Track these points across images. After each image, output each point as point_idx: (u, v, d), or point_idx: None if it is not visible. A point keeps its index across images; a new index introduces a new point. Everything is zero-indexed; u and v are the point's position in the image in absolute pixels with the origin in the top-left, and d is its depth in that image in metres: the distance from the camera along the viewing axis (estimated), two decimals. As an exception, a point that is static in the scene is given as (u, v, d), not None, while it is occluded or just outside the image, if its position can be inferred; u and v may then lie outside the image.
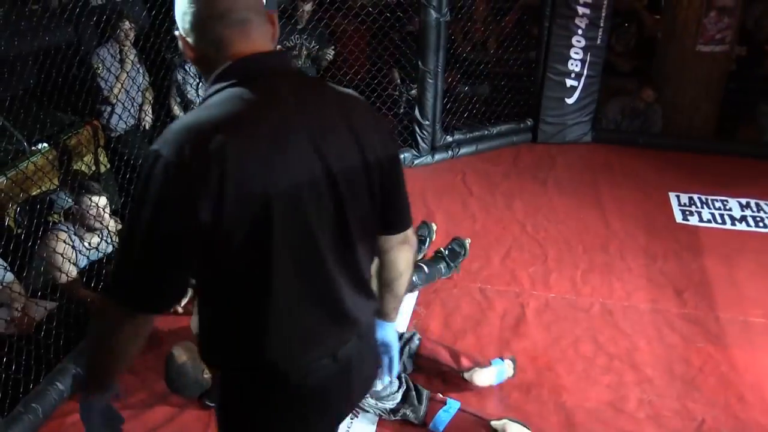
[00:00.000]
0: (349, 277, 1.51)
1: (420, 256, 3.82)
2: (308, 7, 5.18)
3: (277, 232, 1.35)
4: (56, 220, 4.22)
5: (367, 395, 2.75)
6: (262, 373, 1.48)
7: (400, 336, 3.03)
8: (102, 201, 3.73)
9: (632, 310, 3.54)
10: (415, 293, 3.60)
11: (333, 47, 5.32)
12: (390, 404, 2.78)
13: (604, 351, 3.23)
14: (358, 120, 1.47)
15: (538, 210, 4.56)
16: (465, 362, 2.97)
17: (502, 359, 3.00)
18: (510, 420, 2.70)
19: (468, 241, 3.82)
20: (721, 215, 4.52)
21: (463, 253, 3.78)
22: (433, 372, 3.02)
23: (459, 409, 2.77)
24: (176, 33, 1.46)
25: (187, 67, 4.80)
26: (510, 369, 2.99)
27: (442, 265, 3.70)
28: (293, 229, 1.38)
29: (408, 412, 2.77)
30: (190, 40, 1.42)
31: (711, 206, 4.62)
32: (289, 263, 1.39)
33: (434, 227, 4.00)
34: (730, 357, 3.21)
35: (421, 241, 3.88)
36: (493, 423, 2.71)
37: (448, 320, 3.44)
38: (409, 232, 1.69)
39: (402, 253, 1.70)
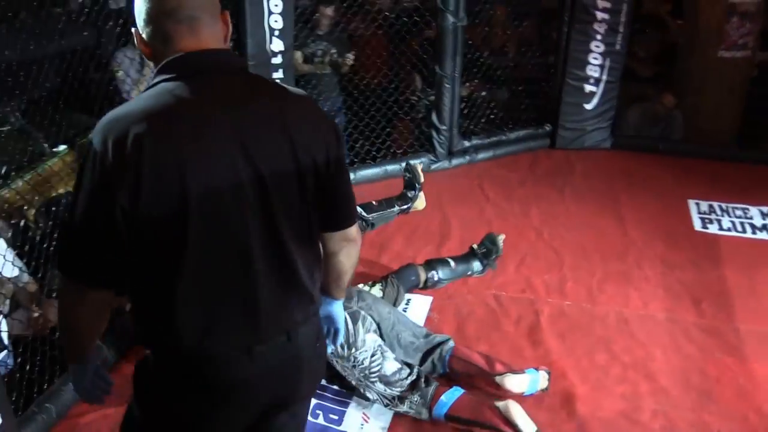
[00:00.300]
0: (279, 277, 1.54)
1: (412, 198, 3.74)
2: (329, 11, 5.10)
3: (193, 227, 1.40)
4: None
5: (376, 380, 2.80)
6: (176, 359, 1.54)
7: (436, 344, 3.03)
8: None
9: (648, 319, 3.50)
10: (429, 299, 3.59)
11: (353, 52, 5.33)
12: (397, 390, 2.79)
13: (619, 360, 3.20)
14: (297, 121, 1.50)
15: (555, 217, 4.52)
16: (499, 367, 2.96)
17: (537, 369, 2.96)
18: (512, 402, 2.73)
19: (501, 237, 3.77)
20: (742, 224, 4.46)
21: (495, 249, 3.74)
22: (463, 376, 2.99)
23: (456, 399, 2.76)
24: (133, 30, 1.50)
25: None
26: (544, 381, 2.94)
27: (475, 263, 3.67)
28: (212, 226, 1.42)
29: (416, 397, 2.77)
30: (144, 35, 1.48)
31: (731, 214, 4.56)
32: (203, 258, 1.44)
33: (420, 166, 3.87)
34: (749, 369, 3.15)
35: (410, 185, 3.81)
36: (497, 403, 2.73)
37: (461, 326, 3.42)
38: (353, 231, 1.74)
39: (346, 253, 1.77)
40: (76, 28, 4.70)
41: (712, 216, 4.54)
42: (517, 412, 2.71)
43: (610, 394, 2.99)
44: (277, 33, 4.10)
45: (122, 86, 4.74)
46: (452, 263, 3.64)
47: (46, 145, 4.50)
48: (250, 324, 1.54)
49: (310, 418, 2.80)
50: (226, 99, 1.44)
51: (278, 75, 4.21)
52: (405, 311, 3.48)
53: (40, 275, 3.47)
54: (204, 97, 1.42)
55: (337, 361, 2.87)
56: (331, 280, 1.86)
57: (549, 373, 2.97)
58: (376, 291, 3.23)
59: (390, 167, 4.99)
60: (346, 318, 2.86)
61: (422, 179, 3.77)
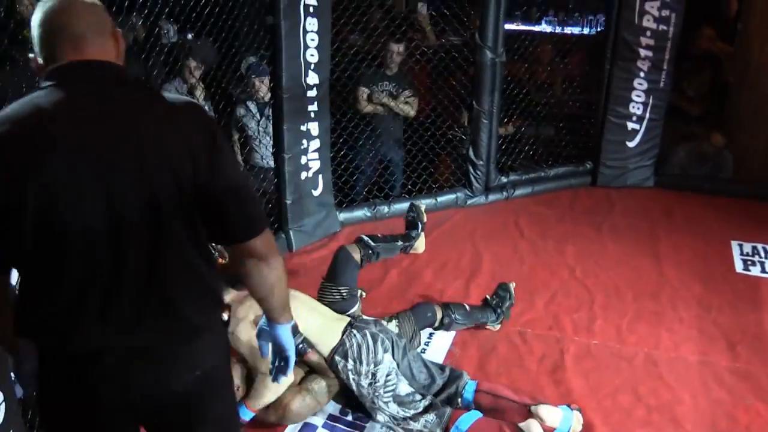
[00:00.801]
0: (148, 293, 1.56)
1: (417, 243, 3.73)
2: (400, 48, 4.94)
3: (31, 233, 1.45)
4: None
5: (389, 400, 2.82)
6: (50, 353, 1.59)
7: (451, 378, 3.01)
8: None
9: (679, 361, 3.38)
10: (452, 333, 3.54)
11: (415, 94, 5.14)
12: (411, 412, 2.81)
13: (644, 403, 3.09)
14: (155, 135, 1.50)
15: (590, 255, 4.44)
16: (527, 399, 2.92)
17: (570, 408, 2.90)
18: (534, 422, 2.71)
19: (512, 285, 3.69)
20: (787, 267, 4.30)
21: (508, 297, 3.65)
22: (489, 411, 2.91)
23: (475, 420, 2.75)
24: (30, 56, 1.57)
25: (248, 103, 4.93)
26: (578, 423, 2.86)
27: (489, 313, 3.59)
28: (51, 235, 1.46)
29: (432, 416, 2.78)
30: (39, 58, 1.54)
31: (776, 257, 4.41)
32: (61, 263, 1.49)
33: (423, 207, 3.81)
34: (782, 416, 3.02)
35: (412, 225, 3.75)
36: (520, 424, 2.71)
37: (482, 362, 3.36)
38: (257, 246, 1.66)
39: (257, 272, 1.70)
40: (128, 59, 4.89)
41: (756, 258, 4.39)
42: (537, 430, 2.70)
43: (631, 436, 2.90)
44: (312, 67, 4.17)
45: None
46: (467, 307, 3.57)
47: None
48: (109, 332, 1.56)
49: (322, 447, 2.80)
50: (89, 111, 1.48)
51: (313, 107, 4.27)
52: (427, 344, 3.46)
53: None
54: (65, 107, 1.47)
55: (354, 379, 2.87)
56: (262, 305, 1.82)
57: (581, 414, 2.90)
58: (393, 327, 3.20)
59: (425, 201, 4.96)
60: (366, 336, 2.88)
61: (425, 220, 3.75)
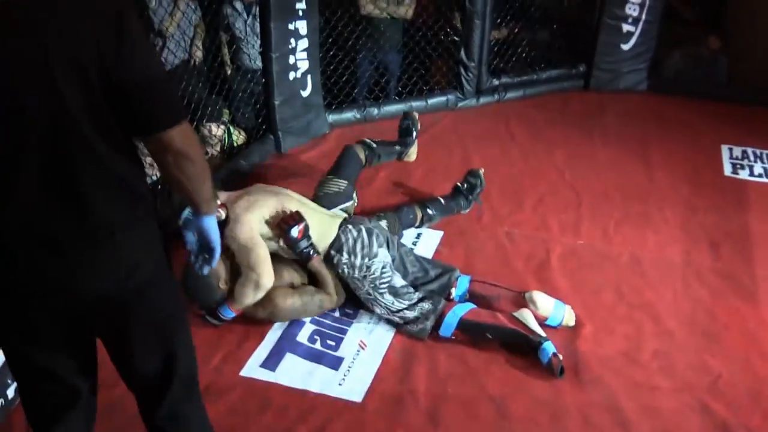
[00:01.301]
0: (56, 187, 1.53)
1: (410, 150, 3.81)
2: None
3: None
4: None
5: (385, 291, 2.89)
6: None
7: (443, 269, 3.10)
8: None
9: (663, 261, 3.43)
10: (439, 233, 3.58)
11: None
12: (406, 303, 2.89)
13: (626, 301, 3.15)
14: (77, 21, 1.46)
15: (580, 158, 4.43)
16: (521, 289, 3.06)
17: (564, 303, 3.00)
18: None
19: (482, 171, 3.74)
20: (775, 170, 4.31)
21: (479, 183, 3.71)
22: (483, 300, 3.02)
23: (469, 309, 2.87)
24: None
25: (234, 3, 4.80)
26: (571, 317, 2.96)
27: (462, 200, 3.67)
28: None
29: (427, 305, 2.88)
30: None
31: (765, 161, 4.41)
32: None
33: (416, 116, 3.85)
34: (760, 313, 3.08)
35: (406, 132, 3.80)
36: (514, 313, 2.86)
37: (469, 261, 3.40)
38: (173, 139, 1.58)
39: (176, 166, 1.61)
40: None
41: (745, 162, 4.40)
42: (530, 318, 2.82)
43: (612, 333, 2.96)
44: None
45: (156, 16, 4.76)
46: (442, 201, 3.65)
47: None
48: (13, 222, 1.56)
49: (307, 342, 2.86)
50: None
51: (301, 5, 4.15)
52: (415, 244, 3.49)
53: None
54: None
55: (349, 272, 2.93)
56: (187, 198, 1.74)
57: (574, 313, 2.99)
58: (383, 225, 3.25)
59: (415, 104, 4.93)
60: (362, 231, 2.94)
61: (419, 127, 3.79)
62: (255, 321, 2.93)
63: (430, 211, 3.57)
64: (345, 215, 3.16)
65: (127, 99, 1.52)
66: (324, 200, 3.25)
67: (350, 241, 2.95)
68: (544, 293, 3.00)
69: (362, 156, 3.53)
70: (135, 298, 1.69)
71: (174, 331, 1.84)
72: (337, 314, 3.02)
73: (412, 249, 3.21)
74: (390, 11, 4.97)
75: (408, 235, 3.53)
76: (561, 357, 2.70)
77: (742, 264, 3.41)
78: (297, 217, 2.85)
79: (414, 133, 3.76)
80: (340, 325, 2.96)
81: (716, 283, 3.27)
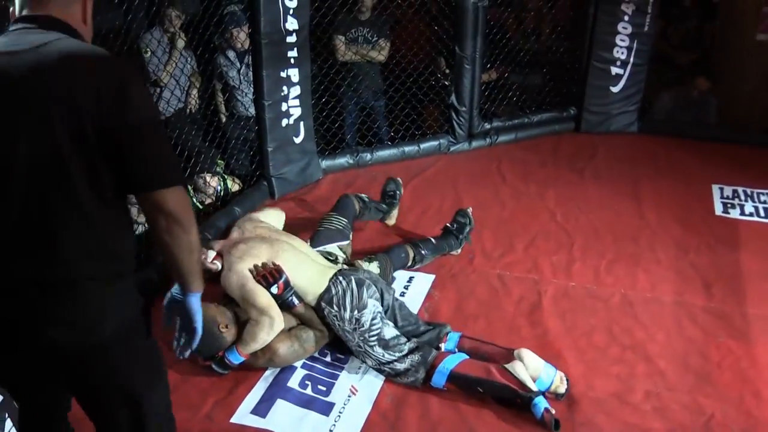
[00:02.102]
0: (33, 229, 1.56)
1: (393, 213, 3.92)
2: None
3: None
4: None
5: (375, 344, 2.87)
6: None
7: (430, 327, 3.07)
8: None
9: (654, 302, 3.43)
10: (432, 276, 3.58)
11: (387, 40, 5.17)
12: (396, 355, 2.86)
13: (618, 342, 3.14)
14: (83, 77, 1.52)
15: (571, 199, 4.46)
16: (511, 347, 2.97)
17: (557, 370, 2.85)
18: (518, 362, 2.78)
19: (470, 210, 3.79)
20: (766, 209, 4.32)
21: (468, 222, 3.75)
22: (473, 355, 2.94)
23: (460, 360, 2.81)
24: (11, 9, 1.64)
25: (228, 53, 4.89)
26: (562, 385, 2.79)
27: (452, 240, 3.71)
28: None
29: (417, 357, 2.83)
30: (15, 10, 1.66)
31: (756, 200, 4.43)
32: None
33: (400, 181, 3.97)
34: (753, 353, 3.06)
35: (391, 196, 3.91)
36: (506, 365, 2.77)
37: (461, 304, 3.40)
38: (167, 200, 1.59)
39: (167, 232, 1.62)
40: (104, 10, 4.82)
41: (735, 201, 4.42)
42: (522, 371, 2.74)
43: (604, 374, 2.94)
44: (291, 11, 4.11)
45: (150, 66, 4.84)
46: (434, 241, 3.69)
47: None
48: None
49: (298, 387, 2.85)
50: (10, 65, 1.52)
51: (293, 54, 4.23)
52: (407, 287, 3.50)
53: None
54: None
55: (339, 324, 2.93)
56: (174, 270, 1.73)
57: (568, 381, 2.83)
58: (374, 268, 3.26)
59: (408, 148, 4.99)
60: (351, 282, 2.95)
61: (402, 193, 3.97)
62: (245, 367, 2.92)
63: (422, 251, 3.60)
64: (338, 267, 3.15)
65: (123, 154, 1.55)
66: (324, 234, 3.34)
67: (340, 293, 2.94)
68: (534, 353, 2.86)
69: (357, 206, 3.65)
70: (98, 354, 1.67)
71: (143, 390, 1.80)
72: (328, 359, 3.01)
73: (403, 303, 3.20)
74: (362, 54, 5.09)
75: (400, 279, 3.54)
76: (554, 411, 2.64)
77: (735, 303, 3.40)
78: (276, 274, 2.87)
79: (398, 197, 3.88)
80: (331, 371, 2.95)
81: (708, 323, 3.27)
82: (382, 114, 5.26)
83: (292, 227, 3.65)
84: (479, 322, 3.27)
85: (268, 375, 2.91)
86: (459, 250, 3.76)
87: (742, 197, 4.46)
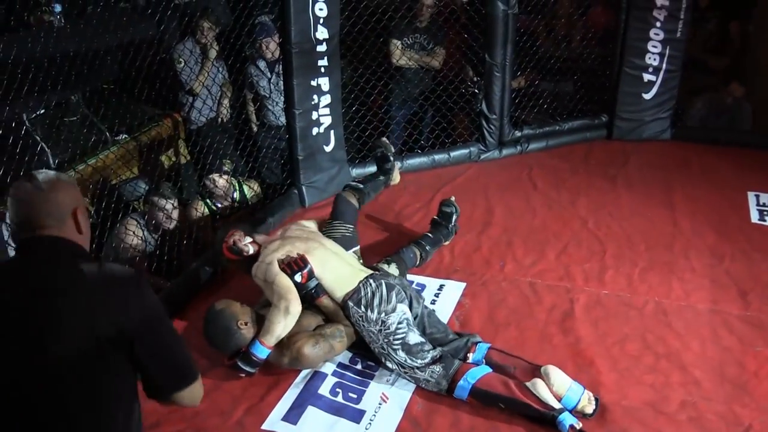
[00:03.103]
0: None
1: (393, 175, 3.95)
2: (429, 1, 5.12)
3: None
4: (135, 207, 4.45)
5: (398, 347, 2.87)
6: None
7: (459, 335, 3.06)
8: (169, 205, 3.96)
9: (689, 310, 3.38)
10: (462, 284, 3.57)
11: (443, 48, 5.28)
12: (419, 362, 2.85)
13: (652, 350, 3.10)
14: (95, 302, 1.57)
15: (603, 207, 4.41)
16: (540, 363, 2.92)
17: (585, 389, 2.77)
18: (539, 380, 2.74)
19: (453, 198, 3.87)
20: (803, 217, 4.24)
21: (453, 210, 3.82)
22: (499, 369, 2.90)
23: (482, 375, 2.77)
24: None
25: (258, 63, 4.94)
26: (590, 405, 2.71)
27: (444, 230, 3.80)
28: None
29: (438, 368, 2.81)
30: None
31: (793, 207, 4.35)
32: None
33: (386, 141, 4.04)
34: (791, 362, 3.02)
35: (384, 158, 3.93)
36: (527, 383, 2.73)
37: (492, 313, 3.38)
38: (182, 398, 1.69)
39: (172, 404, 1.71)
40: (138, 21, 4.92)
41: (772, 208, 4.35)
42: (543, 389, 2.69)
43: (638, 383, 2.91)
44: (321, 21, 4.14)
45: (183, 77, 4.92)
46: (430, 235, 3.76)
47: (108, 134, 4.72)
48: None
49: (329, 395, 2.85)
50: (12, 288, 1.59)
51: (323, 62, 4.25)
52: (437, 295, 3.49)
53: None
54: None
55: (364, 325, 2.94)
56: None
57: (597, 400, 2.74)
58: (393, 269, 3.33)
59: (438, 156, 5.00)
60: (381, 286, 2.99)
61: (393, 150, 4.00)
62: (278, 373, 2.93)
63: (426, 248, 3.65)
64: (371, 272, 3.16)
65: (139, 368, 1.62)
66: (340, 243, 3.34)
67: (369, 294, 2.97)
68: (561, 370, 2.78)
69: (354, 201, 3.63)
70: None
71: None
72: (359, 367, 3.01)
73: (432, 311, 3.19)
74: (417, 60, 5.18)
75: (431, 287, 3.54)
76: (580, 425, 2.59)
77: (771, 312, 3.34)
78: (301, 263, 2.95)
79: (390, 158, 3.88)
80: (361, 378, 2.95)
81: (744, 332, 3.21)
82: (428, 123, 5.31)
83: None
84: (510, 330, 3.25)
85: (299, 382, 2.92)
86: (449, 241, 3.87)
87: (779, 205, 4.39)
